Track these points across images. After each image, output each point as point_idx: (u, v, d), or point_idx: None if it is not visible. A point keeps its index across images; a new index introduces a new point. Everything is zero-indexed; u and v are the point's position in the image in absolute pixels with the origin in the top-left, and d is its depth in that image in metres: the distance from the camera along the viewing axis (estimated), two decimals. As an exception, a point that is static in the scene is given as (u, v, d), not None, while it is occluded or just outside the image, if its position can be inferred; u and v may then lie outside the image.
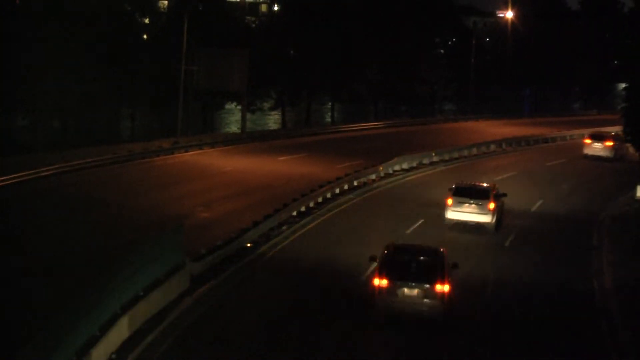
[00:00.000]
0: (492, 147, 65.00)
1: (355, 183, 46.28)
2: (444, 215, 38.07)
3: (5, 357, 19.72)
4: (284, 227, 35.77)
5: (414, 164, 54.41)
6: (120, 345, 21.63)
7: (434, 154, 57.03)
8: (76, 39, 62.92)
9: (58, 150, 53.07)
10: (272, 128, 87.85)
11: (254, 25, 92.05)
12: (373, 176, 48.77)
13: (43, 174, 44.79)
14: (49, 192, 41.76)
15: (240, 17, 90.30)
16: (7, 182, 41.92)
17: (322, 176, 46.53)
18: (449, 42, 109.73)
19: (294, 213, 37.65)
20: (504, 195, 39.57)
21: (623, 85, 58.78)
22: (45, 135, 65.55)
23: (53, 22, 62.81)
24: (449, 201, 37.88)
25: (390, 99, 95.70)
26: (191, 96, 68.57)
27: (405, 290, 24.53)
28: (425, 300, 24.44)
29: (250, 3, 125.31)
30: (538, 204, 44.73)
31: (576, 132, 75.55)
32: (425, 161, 55.82)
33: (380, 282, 24.62)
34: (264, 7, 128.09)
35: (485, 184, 39.82)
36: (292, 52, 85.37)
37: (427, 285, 24.39)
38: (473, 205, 37.41)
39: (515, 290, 29.59)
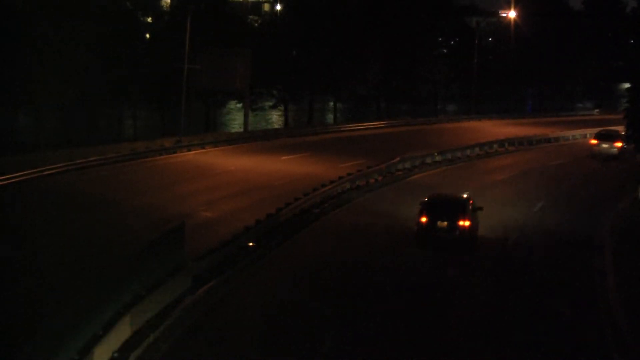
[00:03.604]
0: (495, 147, 64.96)
1: (357, 183, 46.28)
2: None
3: (7, 356, 19.77)
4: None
5: (417, 164, 54.40)
6: (122, 344, 21.66)
7: (436, 154, 56.98)
8: (78, 37, 62.94)
9: (61, 149, 53.12)
10: (274, 127, 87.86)
11: (256, 24, 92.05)
12: (376, 175, 48.78)
13: (47, 172, 44.87)
14: (53, 191, 41.82)
15: (243, 17, 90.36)
16: (11, 181, 41.99)
17: (324, 175, 46.52)
18: (452, 42, 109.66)
19: (297, 212, 37.64)
20: None
21: (625, 85, 58.81)
22: (48, 134, 65.59)
23: (55, 20, 62.86)
24: (594, 141, 62.80)
25: (393, 98, 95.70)
26: (194, 95, 68.59)
27: None
28: None
29: (252, 2, 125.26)
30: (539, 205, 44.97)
31: (578, 132, 75.66)
32: (428, 161, 55.79)
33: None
34: (266, 7, 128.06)
35: (616, 130, 61.55)
36: (294, 51, 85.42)
37: None
38: (607, 144, 61.87)
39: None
